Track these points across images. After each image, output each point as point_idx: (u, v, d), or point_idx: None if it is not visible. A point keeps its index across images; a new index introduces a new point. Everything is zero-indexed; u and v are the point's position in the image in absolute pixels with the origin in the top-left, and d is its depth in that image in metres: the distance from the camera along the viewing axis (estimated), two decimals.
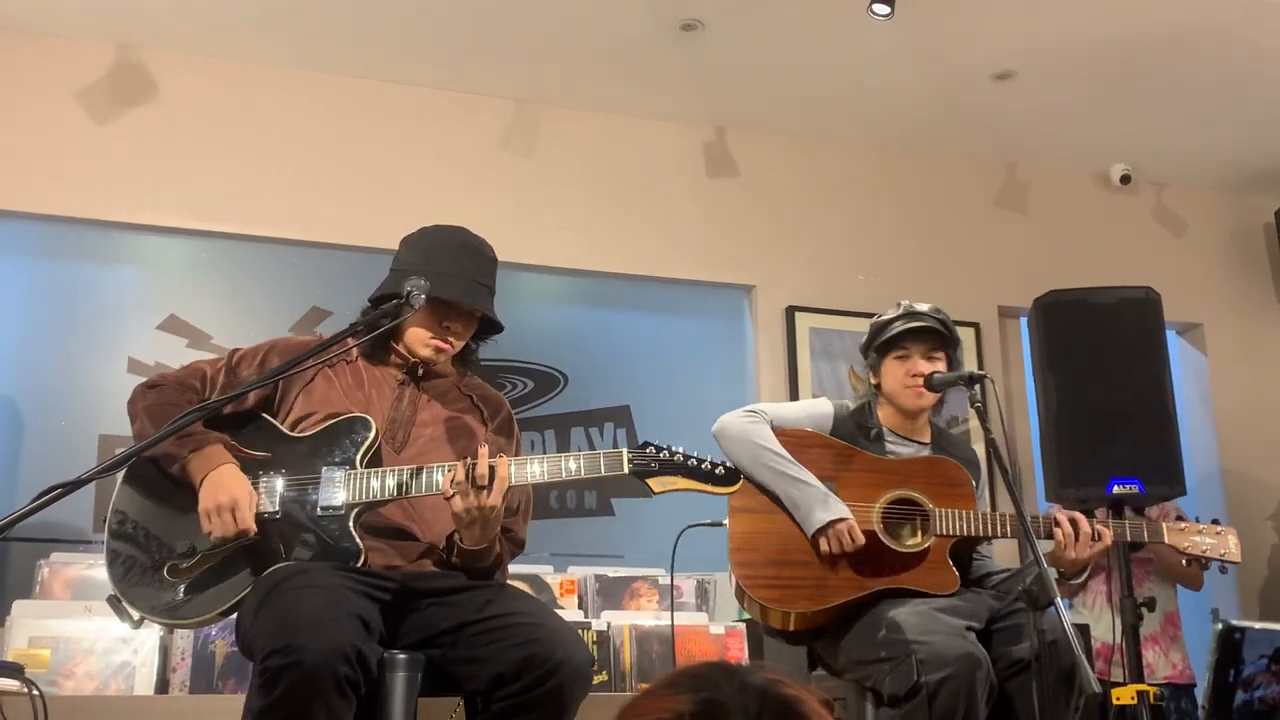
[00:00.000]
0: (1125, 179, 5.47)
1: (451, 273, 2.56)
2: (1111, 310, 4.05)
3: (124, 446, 3.85)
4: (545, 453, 4.60)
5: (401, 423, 2.57)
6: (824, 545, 2.86)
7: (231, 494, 2.35)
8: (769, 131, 5.17)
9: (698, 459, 2.42)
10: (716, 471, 2.42)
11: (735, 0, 4.25)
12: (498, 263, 2.70)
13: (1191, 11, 4.35)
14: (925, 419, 3.14)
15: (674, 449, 2.42)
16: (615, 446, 4.75)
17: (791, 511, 2.93)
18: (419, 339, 2.59)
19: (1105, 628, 4.07)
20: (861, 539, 2.86)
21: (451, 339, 2.60)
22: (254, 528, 2.36)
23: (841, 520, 2.86)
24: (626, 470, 2.39)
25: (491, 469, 2.34)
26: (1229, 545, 2.98)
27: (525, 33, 4.44)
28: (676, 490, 2.41)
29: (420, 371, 2.64)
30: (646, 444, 2.42)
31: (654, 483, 2.39)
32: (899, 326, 3.06)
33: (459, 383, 2.71)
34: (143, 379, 2.60)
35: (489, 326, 2.72)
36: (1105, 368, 3.99)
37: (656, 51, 4.57)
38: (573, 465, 2.41)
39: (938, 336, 3.06)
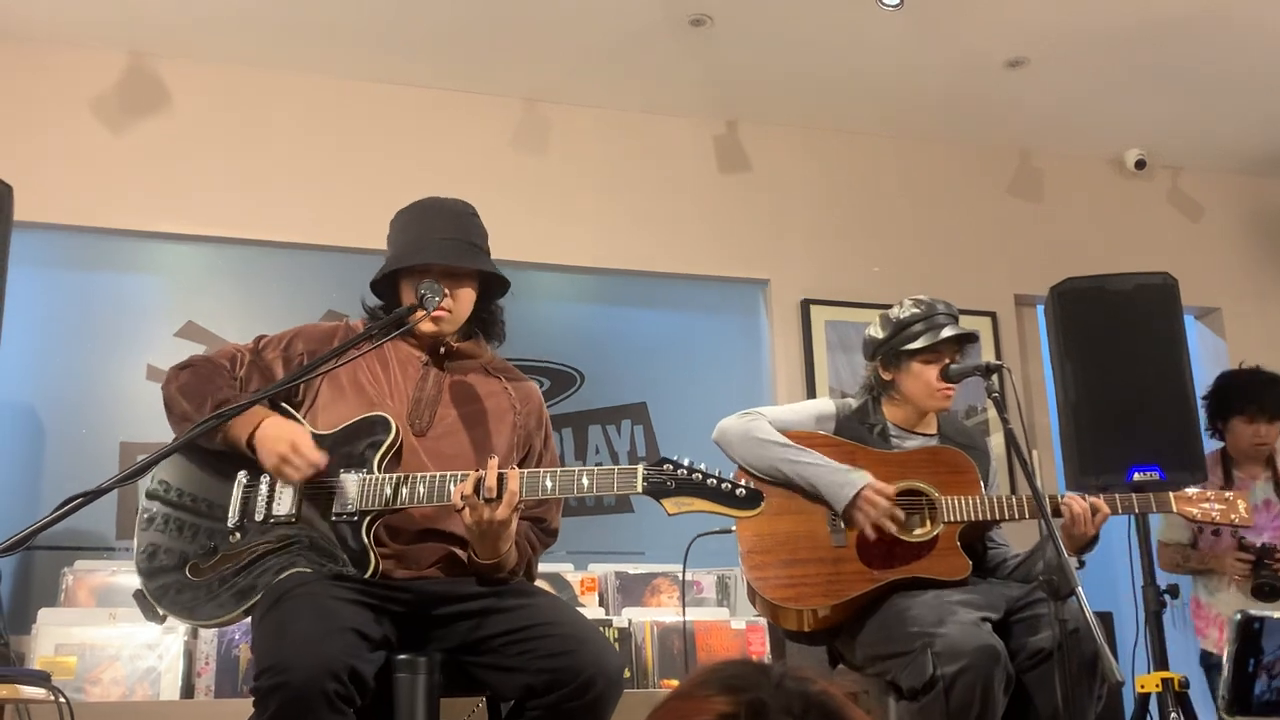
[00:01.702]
0: (1140, 164, 5.44)
1: (420, 240, 2.54)
2: (1129, 297, 4.02)
3: (145, 453, 3.87)
4: (563, 451, 4.63)
5: (426, 403, 2.53)
6: (859, 517, 2.85)
7: (289, 439, 2.34)
8: (780, 124, 5.16)
9: (718, 478, 2.27)
10: (737, 493, 2.25)
11: None
12: (477, 216, 2.65)
13: None
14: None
15: (694, 466, 2.28)
16: (633, 444, 4.75)
17: (815, 493, 2.90)
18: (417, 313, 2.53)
19: (1225, 603, 4.15)
20: (891, 493, 2.85)
21: (443, 304, 2.50)
22: (322, 460, 2.36)
23: (867, 485, 2.86)
24: (640, 489, 2.26)
25: (501, 480, 2.30)
26: (1239, 510, 3.00)
27: (534, 31, 4.44)
28: (693, 511, 2.25)
29: (442, 350, 2.60)
30: (664, 460, 2.28)
31: (669, 503, 2.25)
32: (927, 334, 3.03)
33: (486, 362, 2.67)
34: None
35: (496, 286, 2.66)
36: (1123, 355, 3.97)
37: (666, 46, 4.56)
38: (585, 482, 2.31)
39: (963, 337, 3.07)
